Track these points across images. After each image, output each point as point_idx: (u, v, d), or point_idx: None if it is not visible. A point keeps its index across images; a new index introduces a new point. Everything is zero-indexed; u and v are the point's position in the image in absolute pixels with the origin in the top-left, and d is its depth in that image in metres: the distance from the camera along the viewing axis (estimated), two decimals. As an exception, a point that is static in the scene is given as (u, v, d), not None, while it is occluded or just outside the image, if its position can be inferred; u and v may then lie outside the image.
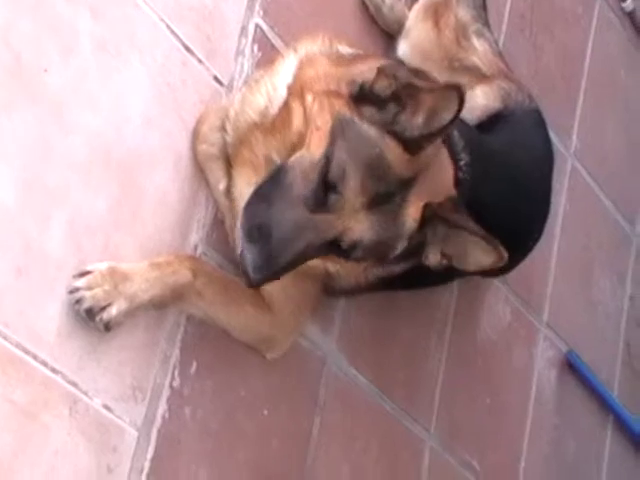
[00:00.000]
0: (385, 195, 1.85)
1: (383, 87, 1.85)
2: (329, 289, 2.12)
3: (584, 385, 2.94)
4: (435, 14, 2.47)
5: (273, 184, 1.85)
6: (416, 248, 1.93)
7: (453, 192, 1.98)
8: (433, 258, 1.95)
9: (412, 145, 1.85)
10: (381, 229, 1.87)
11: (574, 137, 3.02)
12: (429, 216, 1.90)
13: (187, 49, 2.06)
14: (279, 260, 1.82)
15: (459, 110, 1.80)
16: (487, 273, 2.56)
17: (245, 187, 1.99)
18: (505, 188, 2.28)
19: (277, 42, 2.22)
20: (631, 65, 3.28)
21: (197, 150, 2.07)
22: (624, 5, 3.25)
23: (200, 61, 2.08)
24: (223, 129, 2.06)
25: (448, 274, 2.39)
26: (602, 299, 3.09)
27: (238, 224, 1.86)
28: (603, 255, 3.11)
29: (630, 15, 3.26)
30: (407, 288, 2.31)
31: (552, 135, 2.60)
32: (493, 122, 2.42)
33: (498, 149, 2.32)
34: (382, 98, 1.85)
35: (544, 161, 2.52)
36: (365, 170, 1.83)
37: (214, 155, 2.07)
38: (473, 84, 2.45)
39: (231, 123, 2.03)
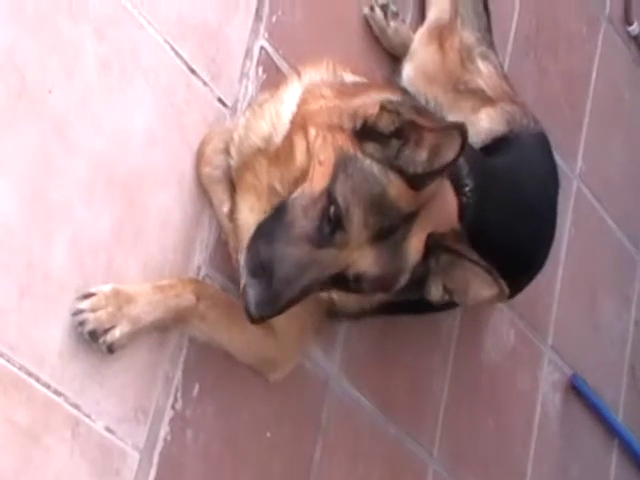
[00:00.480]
0: (388, 229, 1.85)
1: (386, 124, 1.85)
2: (332, 313, 2.12)
3: (589, 409, 2.92)
4: (440, 37, 2.48)
5: (276, 221, 1.86)
6: (419, 280, 1.93)
7: (456, 223, 1.98)
8: (435, 292, 1.95)
9: (415, 181, 1.86)
10: (385, 262, 1.87)
11: (579, 159, 3.02)
12: (432, 246, 1.91)
13: (191, 70, 2.06)
14: (282, 297, 1.82)
15: (462, 149, 1.81)
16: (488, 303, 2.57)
17: (248, 212, 1.99)
18: (510, 212, 2.27)
19: (282, 64, 2.23)
20: (636, 88, 3.28)
21: (201, 172, 2.08)
22: (630, 29, 3.25)
23: (204, 83, 2.08)
24: (227, 152, 2.06)
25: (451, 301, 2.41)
26: (607, 322, 3.08)
27: (241, 261, 1.87)
28: (608, 278, 3.11)
29: (636, 39, 3.26)
30: (411, 313, 2.30)
31: (557, 157, 2.60)
32: (498, 145, 2.42)
33: (503, 173, 2.32)
34: (385, 134, 1.85)
35: (549, 184, 2.51)
36: (368, 206, 1.83)
37: (217, 178, 2.07)
38: (478, 107, 2.45)
39: (235, 147, 2.04)
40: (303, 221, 1.84)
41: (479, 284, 1.90)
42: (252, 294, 1.81)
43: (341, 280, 1.88)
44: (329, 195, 1.83)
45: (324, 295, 2.02)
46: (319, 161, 1.86)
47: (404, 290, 1.94)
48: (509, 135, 2.44)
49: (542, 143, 2.51)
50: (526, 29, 2.88)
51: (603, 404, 2.95)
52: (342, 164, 1.85)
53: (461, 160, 2.03)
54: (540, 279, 2.54)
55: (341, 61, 2.10)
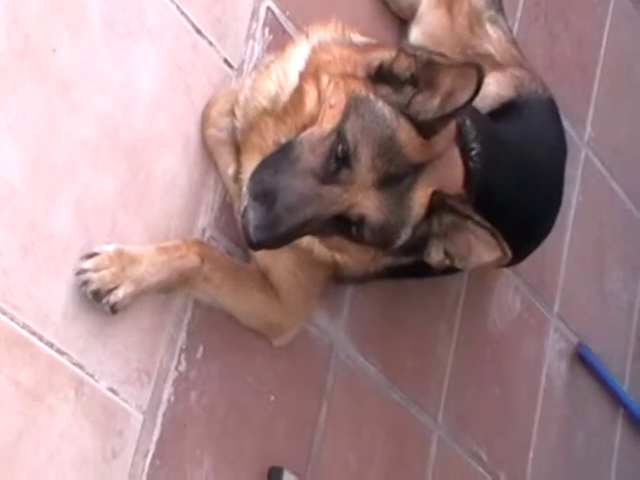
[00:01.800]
0: (395, 176, 1.84)
1: (403, 67, 1.85)
2: (337, 277, 2.11)
3: (594, 377, 2.92)
4: (448, 0, 2.45)
5: (282, 155, 1.85)
6: (419, 242, 1.92)
7: (462, 188, 1.97)
8: (435, 255, 1.93)
9: (425, 128, 1.85)
10: (388, 210, 1.86)
11: (588, 127, 3.00)
12: (436, 204, 1.89)
13: (197, 31, 2.04)
14: (283, 225, 1.80)
15: (477, 90, 1.79)
16: (491, 267, 2.56)
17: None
18: (517, 178, 2.26)
19: (289, 26, 2.21)
20: (647, 55, 3.26)
21: (206, 134, 2.06)
22: (641, -6, 3.23)
23: (210, 43, 2.07)
24: (232, 114, 2.04)
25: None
26: (614, 291, 3.07)
27: (245, 187, 1.86)
28: (616, 247, 3.09)
29: (647, 5, 3.24)
30: (416, 277, 2.29)
31: (566, 124, 2.58)
32: (506, 110, 2.40)
33: (510, 138, 2.30)
34: (400, 79, 1.85)
35: (557, 151, 2.50)
36: (376, 148, 1.82)
37: (223, 140, 2.06)
38: (486, 71, 2.43)
39: (240, 109, 2.02)
40: (310, 157, 1.83)
41: (482, 247, 1.89)
42: (252, 217, 1.80)
43: (343, 223, 1.86)
44: (338, 133, 1.82)
45: (328, 258, 2.01)
46: (330, 105, 1.85)
47: (404, 250, 1.92)
48: (517, 100, 2.42)
49: (550, 109, 2.49)
50: (536, -6, 2.86)
51: (609, 373, 2.94)
52: (353, 104, 1.84)
53: (468, 124, 2.03)
54: (547, 246, 2.53)
55: (349, 23, 2.08)
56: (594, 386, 2.92)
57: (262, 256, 2.05)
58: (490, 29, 2.47)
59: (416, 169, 1.86)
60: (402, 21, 2.47)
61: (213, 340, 2.02)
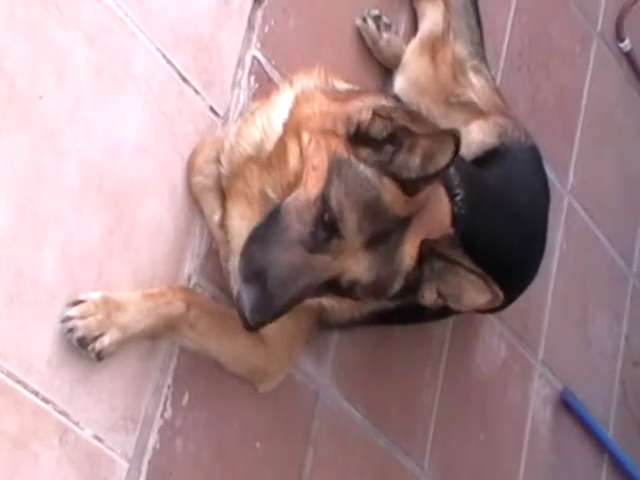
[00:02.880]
0: (382, 234, 1.86)
1: (379, 129, 1.85)
2: (323, 322, 2.11)
3: (579, 424, 2.92)
4: (432, 49, 2.48)
5: (270, 226, 1.85)
6: (413, 286, 1.93)
7: (449, 228, 1.98)
8: (429, 296, 1.94)
9: (409, 186, 1.86)
10: (379, 268, 1.87)
11: (571, 175, 3.02)
12: (426, 252, 1.90)
13: (183, 79, 2.06)
14: (277, 302, 1.81)
15: (455, 154, 1.81)
16: (483, 309, 2.57)
17: (239, 220, 1.99)
18: (501, 224, 2.27)
19: (274, 74, 2.23)
20: (628, 104, 3.28)
21: (192, 182, 2.07)
22: (622, 45, 3.26)
23: (196, 91, 2.08)
24: (218, 161, 2.05)
25: (443, 311, 2.40)
26: (598, 338, 3.08)
27: (235, 266, 1.87)
28: (599, 294, 3.10)
29: (628, 55, 3.27)
30: (402, 323, 2.30)
31: (549, 172, 2.60)
32: (489, 158, 2.42)
33: (494, 185, 2.32)
34: (378, 140, 1.86)
35: (540, 198, 2.51)
36: (362, 211, 1.83)
37: (209, 187, 2.07)
38: (469, 119, 2.46)
39: (226, 155, 2.03)
40: (297, 225, 1.84)
41: (473, 290, 1.90)
42: (247, 300, 1.80)
43: (335, 286, 1.88)
44: (323, 200, 1.83)
45: (314, 304, 2.02)
46: (313, 166, 1.86)
47: (398, 295, 1.93)
48: (500, 148, 2.44)
49: (533, 156, 2.51)
50: (519, 44, 2.89)
51: (593, 419, 2.94)
52: (336, 168, 1.85)
53: (452, 171, 2.04)
54: (531, 293, 2.53)
55: (333, 71, 2.10)
56: (579, 432, 2.92)
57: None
58: (473, 78, 2.50)
59: (403, 224, 1.87)
60: (387, 69, 2.49)
61: (199, 387, 2.01)
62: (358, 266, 1.86)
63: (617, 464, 3.01)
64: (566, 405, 2.89)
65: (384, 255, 1.86)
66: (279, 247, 1.82)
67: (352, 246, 1.84)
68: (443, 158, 1.82)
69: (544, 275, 2.67)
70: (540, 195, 2.51)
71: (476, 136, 2.44)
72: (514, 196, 2.38)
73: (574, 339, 2.99)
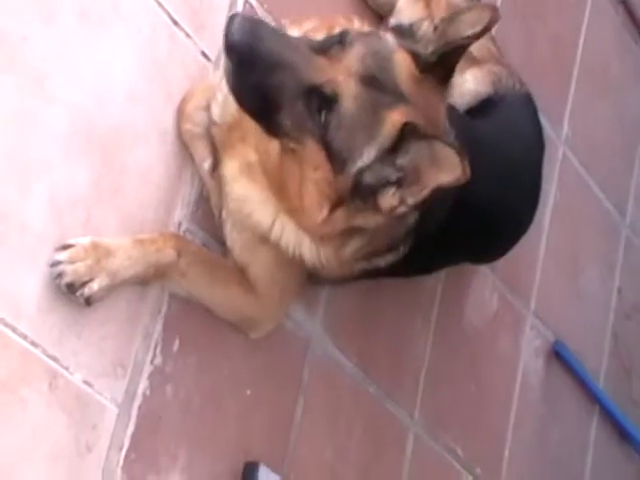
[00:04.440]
0: (379, 85, 1.82)
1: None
2: (314, 278, 2.10)
3: (571, 375, 2.92)
4: (426, -5, 2.45)
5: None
6: (376, 184, 1.84)
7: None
8: (388, 200, 1.85)
9: (422, 62, 1.85)
10: (361, 108, 1.81)
11: (565, 125, 3.00)
12: (407, 134, 1.82)
13: (174, 22, 2.03)
14: (264, 43, 1.77)
15: (487, 29, 1.83)
16: (476, 260, 2.56)
17: (237, 171, 1.98)
18: (495, 175, 2.25)
19: (267, 19, 2.19)
20: (624, 53, 3.26)
21: (181, 129, 2.05)
22: (618, -8, 3.23)
23: (187, 35, 2.06)
24: (208, 109, 2.03)
25: (435, 265, 2.39)
26: (590, 289, 3.07)
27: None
28: (592, 245, 3.10)
29: (624, 2, 3.24)
30: (393, 277, 2.28)
31: (543, 123, 2.58)
32: (483, 107, 2.40)
33: (488, 135, 2.30)
34: None
35: (534, 147, 2.49)
36: (370, 50, 1.83)
37: (199, 134, 2.05)
38: (463, 68, 2.42)
39: (219, 107, 2.01)
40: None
41: (443, 166, 1.78)
42: (236, 22, 1.77)
43: (314, 104, 1.80)
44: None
45: (306, 259, 2.00)
46: None
47: (358, 191, 1.84)
48: (494, 97, 2.42)
49: (528, 105, 2.49)
50: (514, -8, 2.87)
51: (585, 370, 2.94)
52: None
53: (446, 125, 2.00)
54: (524, 244, 2.52)
55: (327, 18, 2.08)
56: (570, 383, 2.92)
57: (239, 252, 2.04)
58: (467, 24, 2.47)
59: (400, 96, 1.83)
60: (381, 17, 2.46)
61: (189, 333, 2.01)
62: (346, 85, 1.81)
63: (608, 415, 3.02)
64: (557, 356, 2.89)
65: (372, 102, 1.82)
66: (286, 37, 1.84)
67: (349, 65, 1.81)
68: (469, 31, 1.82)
69: (537, 226, 2.67)
70: (535, 144, 2.49)
71: (470, 85, 2.41)
72: (508, 146, 2.36)
73: (566, 290, 2.98)
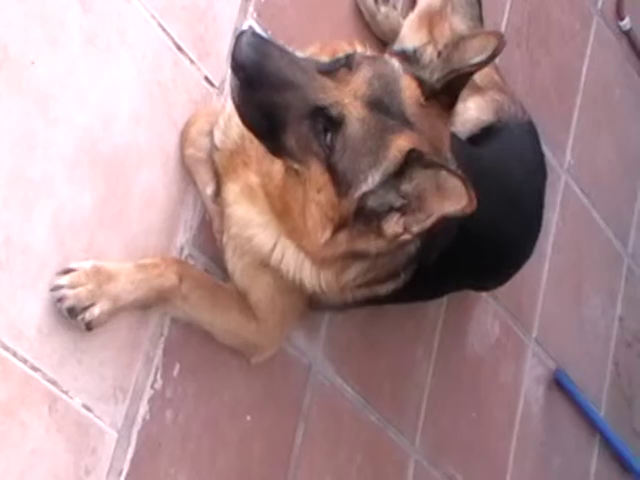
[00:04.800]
0: (385, 109, 1.82)
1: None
2: (315, 304, 2.10)
3: (571, 403, 2.92)
4: (430, 23, 2.45)
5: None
6: (379, 210, 1.84)
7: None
8: (392, 227, 1.84)
9: (428, 89, 1.85)
10: (367, 131, 1.81)
11: (568, 153, 3.01)
12: (412, 161, 1.81)
13: (179, 48, 2.04)
14: (273, 61, 1.77)
15: (494, 55, 1.84)
16: (478, 288, 2.56)
17: (239, 194, 1.98)
18: (497, 203, 2.25)
19: (271, 45, 2.20)
20: (626, 83, 3.27)
21: (185, 154, 2.06)
22: (621, 24, 3.24)
23: (192, 61, 2.07)
24: (212, 134, 2.04)
25: (437, 292, 2.39)
26: (592, 318, 3.07)
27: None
28: (594, 273, 3.10)
29: (627, 34, 3.25)
30: (394, 303, 2.27)
31: (546, 151, 2.59)
32: (486, 134, 2.40)
33: (490, 163, 2.31)
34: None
35: (537, 175, 2.50)
36: (377, 74, 1.83)
37: (202, 159, 2.06)
38: (466, 96, 2.43)
39: (221, 132, 2.02)
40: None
41: (448, 195, 1.77)
42: (245, 39, 1.76)
43: (320, 126, 1.80)
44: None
45: (307, 285, 1.99)
46: None
47: (363, 215, 1.84)
48: (497, 124, 2.42)
49: (530, 133, 2.50)
50: (518, 20, 2.87)
51: (586, 399, 2.94)
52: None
53: (449, 156, 2.00)
54: (526, 271, 2.53)
55: (329, 42, 2.09)
56: (571, 411, 2.92)
57: (240, 276, 2.04)
58: (471, 53, 2.47)
59: (406, 122, 1.83)
60: (384, 44, 2.47)
61: (190, 358, 2.00)
62: (353, 108, 1.80)
63: (608, 444, 3.01)
64: (559, 384, 2.88)
65: (377, 127, 1.81)
66: (294, 57, 1.83)
67: (356, 88, 1.81)
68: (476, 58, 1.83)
69: (539, 253, 2.67)
70: (537, 171, 2.50)
71: (473, 113, 2.42)
72: (510, 173, 2.37)
73: (568, 319, 2.98)
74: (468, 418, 2.61)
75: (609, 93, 3.21)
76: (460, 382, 2.60)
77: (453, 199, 1.76)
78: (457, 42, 1.85)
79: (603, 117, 3.18)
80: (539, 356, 2.85)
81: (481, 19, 2.57)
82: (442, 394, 2.54)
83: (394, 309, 2.36)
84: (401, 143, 1.81)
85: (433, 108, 1.86)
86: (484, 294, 2.66)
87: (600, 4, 3.18)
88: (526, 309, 2.83)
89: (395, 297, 2.11)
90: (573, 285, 3.01)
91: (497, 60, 2.61)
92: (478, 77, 2.47)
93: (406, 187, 1.81)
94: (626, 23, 3.23)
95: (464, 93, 2.40)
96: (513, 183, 2.37)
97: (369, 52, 1.99)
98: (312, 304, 2.10)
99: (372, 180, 1.81)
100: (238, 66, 1.77)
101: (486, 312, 2.69)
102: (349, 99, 1.80)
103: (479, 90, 2.46)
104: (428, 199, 1.79)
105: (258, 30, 2.12)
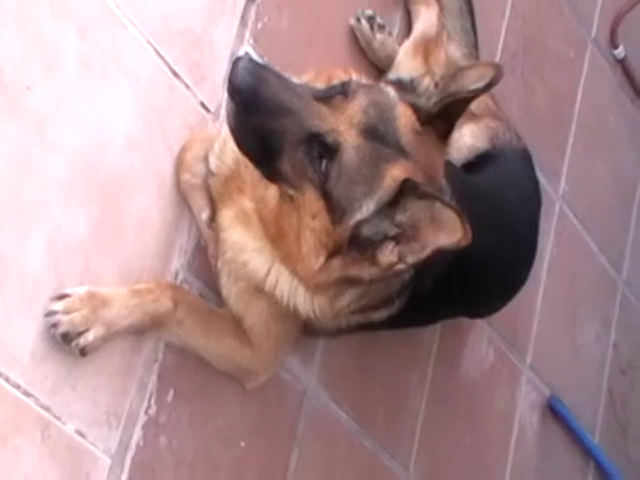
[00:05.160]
0: (380, 138, 1.81)
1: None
2: (309, 329, 2.09)
3: (566, 429, 2.91)
4: (425, 51, 2.47)
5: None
6: (374, 239, 1.83)
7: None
8: (387, 256, 1.83)
9: (423, 115, 1.85)
10: (362, 159, 1.80)
11: (563, 180, 3.02)
12: (406, 191, 1.80)
13: (174, 74, 2.04)
14: (269, 88, 1.77)
15: (491, 85, 1.84)
16: (473, 314, 2.56)
17: (233, 219, 1.98)
18: (491, 230, 2.25)
19: (266, 71, 2.21)
20: (620, 111, 3.28)
21: (180, 179, 2.06)
22: (616, 52, 3.26)
23: (187, 86, 2.07)
24: (207, 159, 2.04)
25: (431, 318, 2.39)
26: (586, 344, 3.07)
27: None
28: (588, 300, 3.10)
29: (621, 62, 3.27)
30: (388, 329, 2.27)
31: (541, 177, 2.60)
32: (480, 162, 2.41)
33: (484, 190, 2.31)
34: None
35: (531, 202, 2.50)
36: (373, 102, 1.83)
37: (197, 185, 2.06)
38: (461, 123, 2.42)
39: (216, 157, 2.02)
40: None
41: (444, 228, 1.77)
42: (241, 64, 1.77)
43: (315, 152, 1.80)
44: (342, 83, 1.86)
45: (301, 311, 1.99)
46: None
47: (357, 243, 1.83)
48: (491, 151, 2.43)
49: (525, 160, 2.50)
50: (513, 48, 2.89)
51: (580, 426, 2.93)
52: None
53: (444, 183, 2.00)
54: (521, 298, 2.52)
55: (324, 70, 2.10)
56: (565, 438, 2.91)
57: (234, 302, 2.04)
58: (466, 80, 2.48)
59: (401, 151, 1.83)
60: (380, 70, 2.48)
61: (184, 384, 2.00)
62: (348, 135, 1.80)
63: (603, 471, 3.00)
64: (553, 411, 2.88)
65: (373, 155, 1.81)
66: (290, 83, 1.82)
67: (351, 116, 1.81)
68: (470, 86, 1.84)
69: (534, 280, 2.67)
70: (531, 199, 2.50)
71: (467, 140, 2.42)
72: (505, 201, 2.37)
73: (562, 345, 2.98)
74: (462, 444, 2.61)
75: (603, 120, 3.22)
76: (454, 408, 2.60)
77: (448, 231, 1.76)
78: (454, 73, 1.86)
79: (597, 144, 3.19)
80: (533, 382, 2.84)
81: (476, 46, 2.58)
82: (436, 419, 2.53)
83: (388, 335, 2.36)
84: (396, 172, 1.81)
85: (429, 136, 1.87)
86: (479, 321, 2.65)
87: (594, 32, 3.20)
88: (521, 335, 2.83)
89: (389, 323, 2.11)
90: (567, 311, 3.02)
91: (492, 87, 2.66)
92: (473, 104, 2.46)
93: (400, 217, 1.80)
94: (620, 51, 3.25)
95: (459, 120, 2.44)
96: (508, 210, 2.37)
97: (364, 80, 2.00)
98: (306, 330, 2.10)
99: (367, 209, 1.81)
100: (235, 90, 1.77)
101: (481, 338, 2.69)
102: (345, 127, 1.81)
103: (474, 117, 2.46)
104: (423, 230, 1.79)
105: (254, 56, 2.13)
